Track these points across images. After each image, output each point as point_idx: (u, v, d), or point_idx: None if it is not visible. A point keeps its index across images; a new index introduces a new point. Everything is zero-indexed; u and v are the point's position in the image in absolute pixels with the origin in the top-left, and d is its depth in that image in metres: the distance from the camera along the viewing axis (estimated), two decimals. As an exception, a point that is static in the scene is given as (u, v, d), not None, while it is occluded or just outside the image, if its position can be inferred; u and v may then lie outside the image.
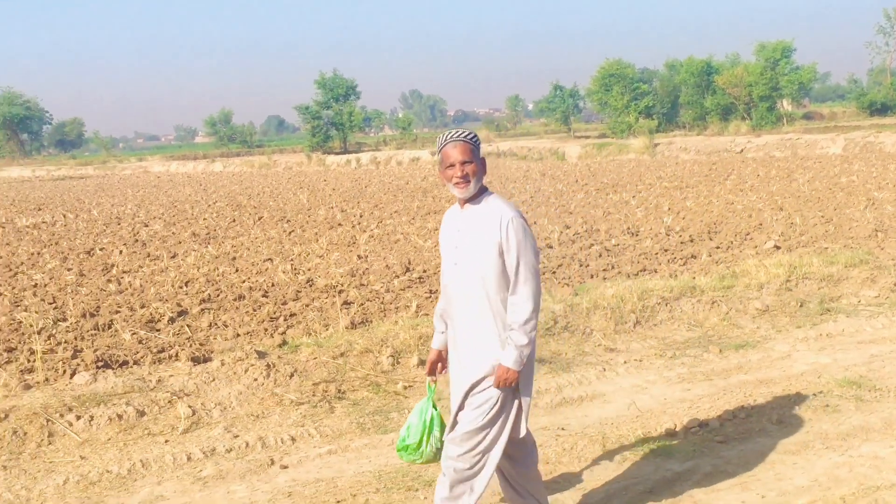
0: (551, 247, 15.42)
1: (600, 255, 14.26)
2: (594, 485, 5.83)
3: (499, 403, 4.61)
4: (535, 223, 18.76)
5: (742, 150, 42.68)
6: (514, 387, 4.61)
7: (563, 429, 6.93)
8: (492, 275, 4.58)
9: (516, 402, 4.68)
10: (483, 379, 4.62)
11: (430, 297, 11.48)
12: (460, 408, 4.69)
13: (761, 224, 17.19)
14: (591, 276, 12.38)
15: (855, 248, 13.60)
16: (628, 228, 17.23)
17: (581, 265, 13.42)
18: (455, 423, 4.71)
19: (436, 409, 4.93)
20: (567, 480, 5.93)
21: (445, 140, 4.69)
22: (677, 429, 6.73)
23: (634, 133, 55.74)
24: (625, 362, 8.56)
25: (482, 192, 4.70)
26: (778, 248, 14.18)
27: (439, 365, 5.11)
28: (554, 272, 12.87)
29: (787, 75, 58.87)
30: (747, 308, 10.12)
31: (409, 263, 14.20)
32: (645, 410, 7.27)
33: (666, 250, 14.56)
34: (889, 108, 64.18)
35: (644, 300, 9.95)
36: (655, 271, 12.63)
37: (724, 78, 59.38)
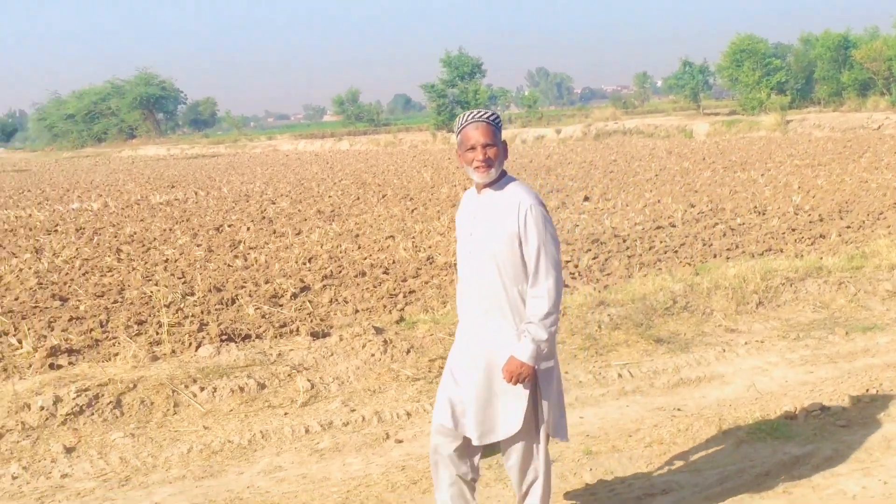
0: (674, 226, 15.20)
1: (724, 235, 13.99)
2: (709, 466, 5.74)
3: (525, 416, 4.44)
4: (658, 202, 18.52)
5: (879, 127, 41.14)
6: (533, 389, 4.43)
7: (678, 409, 6.83)
8: (508, 265, 4.32)
9: (544, 404, 4.48)
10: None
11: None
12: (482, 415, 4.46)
13: (896, 203, 16.62)
14: (714, 256, 12.16)
15: None
16: (755, 207, 16.84)
17: (704, 244, 13.19)
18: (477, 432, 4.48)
19: None
20: (681, 462, 5.85)
21: (466, 121, 4.43)
22: (797, 412, 6.55)
23: (766, 110, 54.33)
24: (745, 343, 8.39)
25: (502, 176, 4.47)
26: (913, 227, 13.70)
27: None
28: (676, 251, 12.69)
29: (930, 48, 56.48)
30: (877, 290, 9.80)
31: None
32: (765, 392, 7.12)
33: (793, 230, 14.20)
34: None
35: (767, 280, 9.72)
36: (781, 251, 12.33)
37: (862, 52, 57.14)
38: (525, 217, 4.29)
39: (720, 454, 5.94)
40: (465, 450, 4.57)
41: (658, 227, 15.04)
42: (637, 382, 7.49)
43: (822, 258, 10.93)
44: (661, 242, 13.47)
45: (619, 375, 7.63)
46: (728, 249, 12.58)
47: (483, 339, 4.45)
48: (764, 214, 16.03)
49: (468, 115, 4.43)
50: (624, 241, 13.80)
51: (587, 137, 50.67)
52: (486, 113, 4.43)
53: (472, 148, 4.37)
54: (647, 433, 6.36)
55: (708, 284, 9.59)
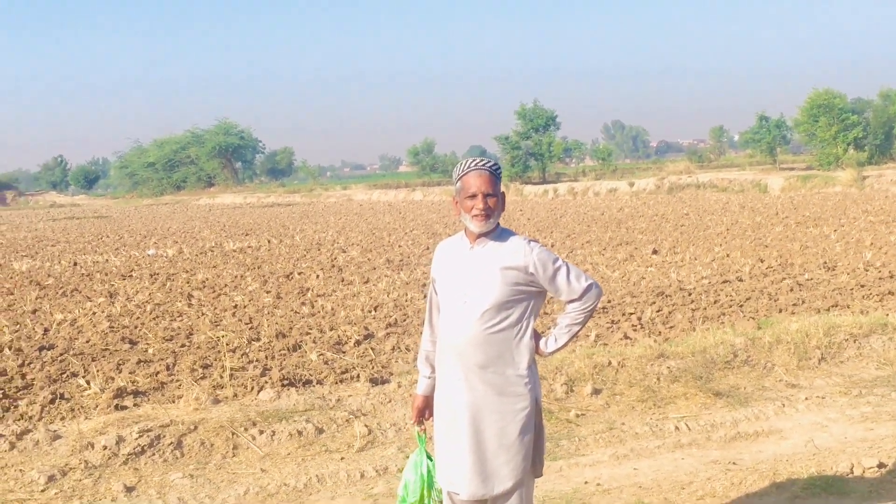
0: (741, 280, 15.08)
1: (791, 290, 13.84)
2: (760, 521, 5.71)
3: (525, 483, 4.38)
4: (727, 256, 18.39)
5: (959, 183, 40.45)
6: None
7: (734, 463, 6.80)
8: (515, 316, 4.29)
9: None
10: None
11: (611, 326, 11.44)
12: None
13: (971, 260, 16.31)
14: (780, 311, 12.04)
15: None
16: (825, 263, 16.64)
17: (770, 299, 13.07)
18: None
19: (430, 460, 4.67)
20: (733, 516, 5.84)
21: (468, 168, 4.33)
22: (854, 469, 6.49)
23: (842, 165, 53.68)
24: (806, 399, 8.32)
25: (496, 228, 4.35)
26: None
27: (426, 412, 4.72)
28: (741, 306, 12.59)
29: None
30: (944, 347, 9.64)
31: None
32: (822, 448, 7.05)
33: (862, 286, 13.99)
34: None
35: (831, 336, 9.64)
36: (848, 307, 12.16)
37: (942, 107, 56.46)
38: (532, 252, 4.26)
39: (773, 509, 5.91)
40: None
41: (725, 281, 14.94)
42: (694, 435, 7.47)
43: (888, 315, 10.79)
44: (726, 296, 13.37)
45: (676, 428, 7.62)
46: (794, 305, 12.46)
47: (478, 393, 4.31)
48: (833, 270, 15.84)
49: (470, 162, 4.36)
50: (689, 294, 13.73)
51: (660, 191, 50.49)
52: (488, 161, 4.34)
53: (473, 196, 4.27)
54: (699, 486, 6.35)
55: (770, 339, 9.54)
